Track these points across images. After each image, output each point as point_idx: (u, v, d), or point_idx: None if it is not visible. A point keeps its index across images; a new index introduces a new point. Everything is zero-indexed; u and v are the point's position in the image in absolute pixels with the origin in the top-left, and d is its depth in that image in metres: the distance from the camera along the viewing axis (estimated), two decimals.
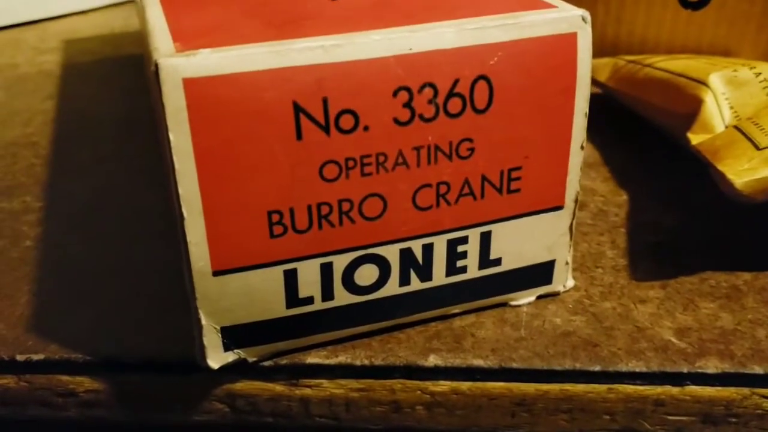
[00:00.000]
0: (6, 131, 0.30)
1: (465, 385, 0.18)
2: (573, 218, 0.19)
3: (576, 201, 0.19)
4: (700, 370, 0.18)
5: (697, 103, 0.23)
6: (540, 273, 0.20)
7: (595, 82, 0.29)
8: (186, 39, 0.16)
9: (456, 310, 0.19)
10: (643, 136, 0.28)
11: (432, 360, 0.18)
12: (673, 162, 0.26)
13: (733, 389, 0.18)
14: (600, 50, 0.31)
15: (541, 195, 0.18)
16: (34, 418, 0.19)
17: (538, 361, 0.18)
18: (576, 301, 0.20)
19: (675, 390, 0.18)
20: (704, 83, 0.23)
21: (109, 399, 0.19)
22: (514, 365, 0.18)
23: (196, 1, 0.18)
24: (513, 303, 0.20)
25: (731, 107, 0.23)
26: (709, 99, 0.23)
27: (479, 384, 0.18)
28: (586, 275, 0.21)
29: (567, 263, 0.20)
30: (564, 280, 0.20)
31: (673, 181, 0.25)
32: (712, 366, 0.18)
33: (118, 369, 0.19)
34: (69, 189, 0.26)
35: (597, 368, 0.18)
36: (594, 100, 0.31)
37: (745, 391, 0.17)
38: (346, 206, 0.17)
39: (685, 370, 0.18)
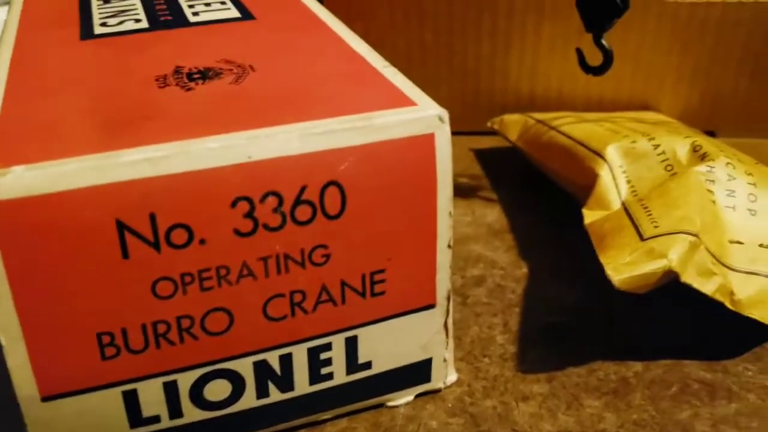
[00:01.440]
0: None
1: None
2: (447, 315, 0.18)
3: (448, 298, 0.18)
4: None
5: (593, 177, 0.22)
6: (417, 372, 0.18)
7: (506, 139, 0.28)
8: (5, 149, 0.14)
9: (326, 416, 0.18)
10: (553, 200, 0.27)
11: None
12: (580, 229, 0.25)
13: None
14: (515, 105, 0.30)
15: (410, 295, 0.17)
16: None
17: None
18: (457, 399, 0.19)
19: None
20: (601, 155, 0.22)
21: None
22: None
23: (42, 88, 0.17)
24: (390, 404, 0.19)
25: (628, 181, 0.22)
26: (604, 173, 0.22)
27: None
28: (471, 366, 0.20)
29: (445, 360, 0.19)
30: (444, 377, 0.19)
31: (578, 252, 0.24)
32: None
33: None
34: None
35: None
36: (506, 155, 0.30)
37: None
38: (186, 323, 0.15)
39: None
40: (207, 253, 0.15)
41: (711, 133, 0.31)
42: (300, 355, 0.17)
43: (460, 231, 0.25)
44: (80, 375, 0.15)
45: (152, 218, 0.14)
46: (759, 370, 0.19)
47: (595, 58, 0.25)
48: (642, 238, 0.19)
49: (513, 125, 0.28)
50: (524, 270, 0.23)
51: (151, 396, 0.16)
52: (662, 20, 0.28)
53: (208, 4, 0.23)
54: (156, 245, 0.14)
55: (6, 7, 0.40)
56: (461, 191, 0.28)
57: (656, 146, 0.22)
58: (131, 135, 0.15)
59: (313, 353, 0.17)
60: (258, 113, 0.16)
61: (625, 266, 0.18)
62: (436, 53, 0.29)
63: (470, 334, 0.21)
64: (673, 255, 0.18)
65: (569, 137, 0.24)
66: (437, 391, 0.19)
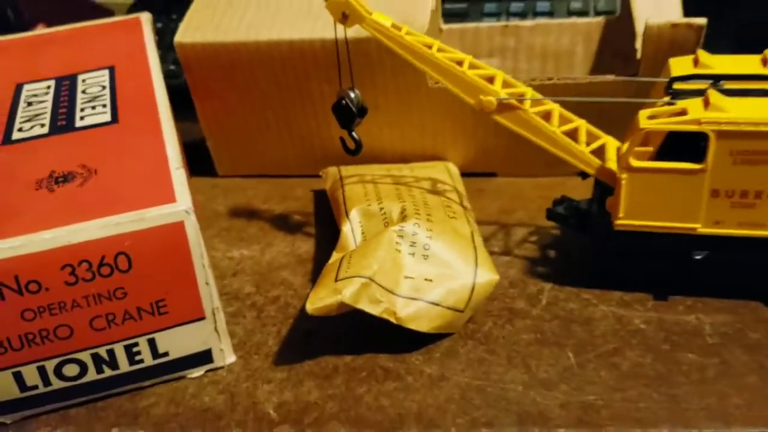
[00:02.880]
0: None
1: None
2: (215, 323, 0.29)
3: (214, 313, 0.29)
4: None
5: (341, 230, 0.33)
6: (202, 357, 0.30)
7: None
8: None
9: (145, 384, 0.30)
10: None
11: None
12: None
13: None
14: (343, 157, 0.40)
15: (186, 313, 0.29)
16: None
17: None
18: (227, 383, 0.30)
19: None
20: (347, 215, 0.33)
21: None
22: None
23: None
24: (189, 376, 0.30)
25: (363, 233, 0.32)
26: (346, 229, 0.33)
27: None
28: (245, 361, 0.31)
29: (221, 350, 0.30)
30: (223, 360, 0.30)
31: None
32: None
33: None
34: None
35: None
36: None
37: None
38: (44, 333, 0.27)
39: None
40: (51, 295, 0.26)
41: (493, 174, 0.41)
42: (119, 349, 0.28)
43: (279, 261, 0.36)
44: None
45: (17, 277, 0.26)
46: (423, 360, 0.30)
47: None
48: (336, 280, 0.29)
49: (329, 177, 0.38)
50: (308, 290, 0.34)
51: (31, 374, 0.28)
52: (432, 98, 0.38)
53: (93, 107, 0.34)
54: (20, 292, 0.26)
55: None
56: (290, 228, 0.39)
57: (381, 208, 0.33)
58: (3, 225, 0.26)
59: (127, 348, 0.28)
60: (82, 211, 0.27)
61: (318, 300, 0.28)
62: (277, 125, 0.40)
63: (253, 340, 0.32)
64: (346, 292, 0.28)
65: (343, 196, 0.35)
66: (221, 368, 0.30)
